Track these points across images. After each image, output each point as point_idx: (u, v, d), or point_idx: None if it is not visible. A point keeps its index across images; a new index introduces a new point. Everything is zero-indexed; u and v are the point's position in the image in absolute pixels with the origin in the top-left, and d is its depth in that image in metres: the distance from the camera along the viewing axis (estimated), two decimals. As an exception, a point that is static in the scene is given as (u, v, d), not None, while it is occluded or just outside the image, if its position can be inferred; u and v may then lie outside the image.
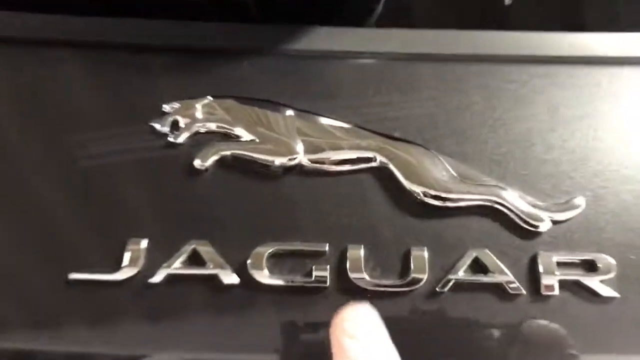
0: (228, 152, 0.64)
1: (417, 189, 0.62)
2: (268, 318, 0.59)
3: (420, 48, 0.69)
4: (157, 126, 0.65)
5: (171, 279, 0.60)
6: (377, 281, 0.60)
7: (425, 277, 0.60)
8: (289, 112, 0.66)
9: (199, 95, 0.67)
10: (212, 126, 0.65)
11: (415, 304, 0.60)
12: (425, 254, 0.61)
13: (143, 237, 0.61)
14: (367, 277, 0.60)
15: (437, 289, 0.60)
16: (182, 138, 0.65)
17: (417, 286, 0.60)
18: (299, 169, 0.64)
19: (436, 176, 0.63)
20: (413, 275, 0.60)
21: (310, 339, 0.59)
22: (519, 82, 0.67)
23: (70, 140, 0.66)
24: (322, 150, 0.64)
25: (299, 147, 0.64)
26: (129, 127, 0.66)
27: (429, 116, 0.66)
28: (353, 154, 0.64)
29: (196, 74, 0.68)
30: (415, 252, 0.61)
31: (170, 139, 0.65)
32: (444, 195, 0.62)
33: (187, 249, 0.61)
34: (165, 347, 0.59)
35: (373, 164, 0.64)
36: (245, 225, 0.62)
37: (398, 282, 0.60)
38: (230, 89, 0.68)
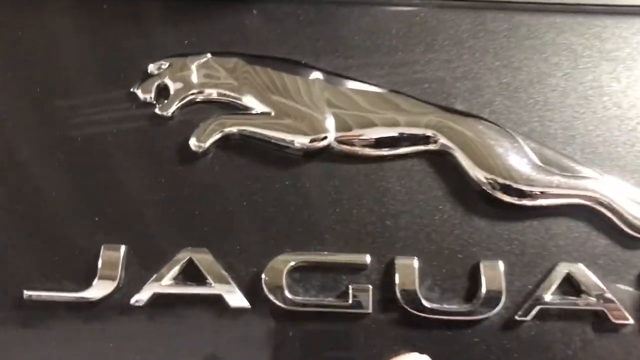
0: (234, 129, 0.49)
1: (485, 179, 0.47)
2: (289, 354, 0.46)
3: (485, -7, 0.53)
4: (140, 93, 0.49)
5: (159, 299, 0.46)
6: (436, 306, 0.46)
7: (501, 300, 0.46)
8: (314, 75, 0.50)
9: (194, 51, 0.51)
10: (213, 93, 0.49)
11: (488, 336, 0.46)
12: (501, 268, 0.46)
13: (121, 242, 0.47)
14: (422, 300, 0.45)
15: (516, 316, 0.46)
16: (172, 109, 0.49)
17: (490, 313, 0.46)
18: (328, 152, 0.49)
19: (511, 163, 0.47)
20: (484, 297, 0.46)
21: (346, 383, 0.45)
22: (618, 40, 0.52)
23: (32, 107, 0.51)
24: (358, 126, 0.48)
25: (329, 122, 0.48)
26: (103, 93, 0.51)
27: (499, 81, 0.51)
28: (401, 133, 0.48)
29: (191, 23, 0.53)
30: (486, 266, 0.46)
31: (157, 111, 0.49)
32: (522, 187, 0.47)
33: (180, 259, 0.47)
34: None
35: (430, 147, 0.48)
36: (257, 227, 0.48)
37: (464, 307, 0.46)
38: (235, 43, 0.52)
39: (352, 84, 0.50)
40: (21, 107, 0.50)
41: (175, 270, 0.46)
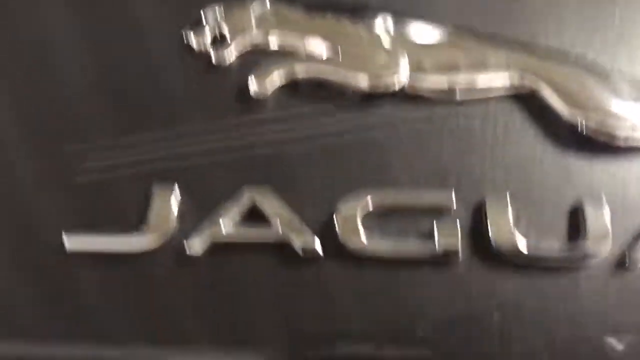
0: (301, 70, 0.44)
1: (579, 118, 0.42)
2: (367, 306, 0.40)
3: None
4: (193, 39, 0.45)
5: (219, 249, 0.40)
6: (532, 252, 0.39)
7: (607, 245, 0.39)
8: (382, 19, 0.45)
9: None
10: (274, 40, 0.45)
11: (591, 283, 0.40)
12: (606, 214, 0.40)
13: (173, 183, 0.42)
14: (518, 244, 0.39)
15: (626, 264, 0.40)
16: (231, 56, 0.44)
17: (595, 259, 0.39)
18: (399, 95, 0.43)
19: (605, 101, 0.42)
20: (589, 242, 0.39)
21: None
22: None
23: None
24: (433, 68, 0.44)
25: (402, 62, 0.43)
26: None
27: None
28: (484, 74, 0.43)
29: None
30: (590, 211, 0.40)
31: (213, 59, 0.45)
32: (617, 124, 0.42)
33: (241, 200, 0.41)
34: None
35: (516, 87, 0.43)
36: (328, 164, 0.42)
37: (565, 252, 0.40)
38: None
39: (421, 25, 0.46)
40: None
41: (235, 213, 0.40)
